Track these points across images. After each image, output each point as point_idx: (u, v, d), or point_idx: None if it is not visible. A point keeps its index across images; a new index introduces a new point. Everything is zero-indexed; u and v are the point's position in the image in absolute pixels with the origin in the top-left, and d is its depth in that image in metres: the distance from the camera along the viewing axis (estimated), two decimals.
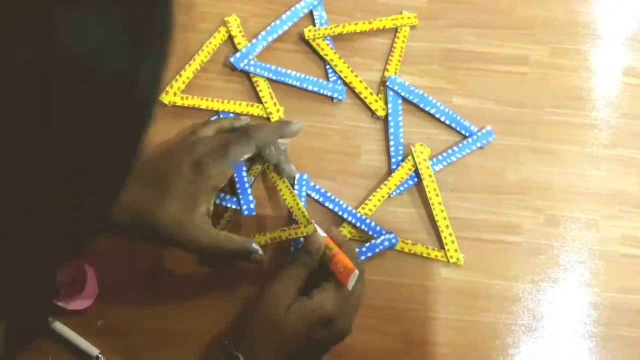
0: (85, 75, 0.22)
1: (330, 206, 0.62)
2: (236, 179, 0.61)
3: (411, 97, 0.64)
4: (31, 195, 0.23)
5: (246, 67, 0.64)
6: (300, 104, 0.64)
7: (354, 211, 0.61)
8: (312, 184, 0.62)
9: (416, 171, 0.62)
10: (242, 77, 0.65)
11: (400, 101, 0.64)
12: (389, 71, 0.65)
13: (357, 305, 0.56)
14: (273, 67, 0.65)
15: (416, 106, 0.64)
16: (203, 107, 0.64)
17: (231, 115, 0.64)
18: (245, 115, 0.64)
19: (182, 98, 0.64)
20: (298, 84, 0.64)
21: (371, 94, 0.64)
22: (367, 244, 0.61)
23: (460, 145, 0.63)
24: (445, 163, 0.63)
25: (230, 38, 0.66)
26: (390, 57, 0.65)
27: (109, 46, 0.22)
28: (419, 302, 0.61)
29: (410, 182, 0.63)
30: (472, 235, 0.62)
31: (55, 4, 0.21)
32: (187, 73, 0.64)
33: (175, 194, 0.53)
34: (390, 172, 0.63)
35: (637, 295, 0.61)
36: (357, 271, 0.54)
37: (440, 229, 0.61)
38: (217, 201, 0.61)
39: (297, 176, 0.61)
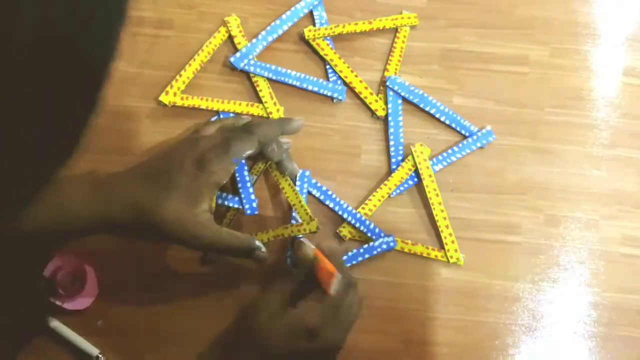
0: (36, 19, 0.21)
1: (331, 205, 0.62)
2: (238, 178, 0.61)
3: (411, 97, 0.64)
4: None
5: (246, 67, 0.64)
6: (300, 104, 0.65)
7: (354, 211, 0.61)
8: (313, 181, 0.62)
9: (416, 171, 0.62)
10: (242, 77, 0.65)
11: (400, 101, 0.64)
12: (389, 71, 0.65)
13: (349, 320, 0.54)
14: (273, 67, 0.65)
15: (416, 106, 0.64)
16: (203, 107, 0.64)
17: (231, 114, 0.64)
18: (246, 115, 0.64)
19: (182, 98, 0.64)
20: (298, 84, 0.64)
21: (371, 94, 0.64)
22: (365, 246, 0.61)
23: (460, 145, 0.63)
24: (445, 163, 0.63)
25: (230, 38, 0.66)
26: (390, 57, 0.65)
27: None
28: (419, 302, 0.61)
29: (410, 182, 0.63)
30: (472, 235, 0.62)
31: None
32: (187, 73, 0.64)
33: (177, 189, 0.52)
34: (390, 172, 0.63)
35: (637, 295, 0.61)
36: (339, 275, 0.53)
37: (440, 229, 0.61)
38: (220, 201, 0.61)
39: (299, 173, 0.61)
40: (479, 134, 0.63)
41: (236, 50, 0.65)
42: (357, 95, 0.65)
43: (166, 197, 0.52)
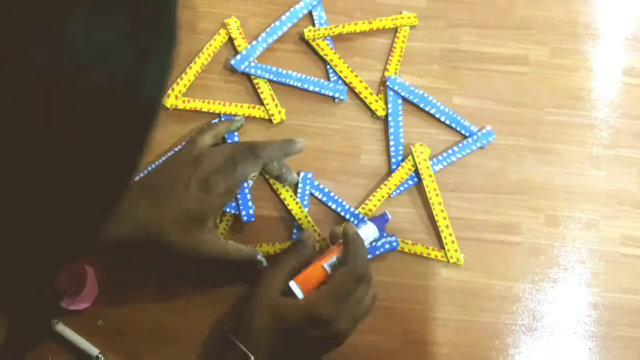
0: (94, 76, 0.22)
1: (333, 206, 0.62)
2: None
3: (411, 97, 0.64)
4: (39, 194, 0.23)
5: (247, 70, 0.64)
6: (300, 104, 0.65)
7: (356, 212, 0.61)
8: (315, 183, 0.62)
9: (416, 171, 0.62)
10: (243, 78, 0.65)
11: (400, 101, 0.64)
12: (389, 71, 0.65)
13: (360, 313, 0.54)
14: (273, 69, 0.65)
15: (416, 106, 0.64)
16: (205, 109, 0.64)
17: (222, 117, 0.64)
18: (247, 117, 0.64)
19: (183, 101, 0.64)
20: (299, 84, 0.64)
21: (371, 94, 0.64)
22: (368, 246, 0.61)
23: (460, 145, 0.63)
24: (445, 163, 0.63)
25: (231, 40, 0.66)
26: (390, 57, 0.65)
27: (116, 47, 0.23)
28: (419, 302, 0.61)
29: (410, 182, 0.63)
30: (472, 235, 0.62)
31: (66, 8, 0.21)
32: (188, 76, 0.64)
33: (183, 212, 0.54)
34: (390, 172, 0.63)
35: (637, 295, 0.61)
36: (336, 255, 0.54)
37: (440, 229, 0.61)
38: None
39: (301, 175, 0.62)
40: (479, 134, 0.63)
41: (236, 52, 0.65)
42: (357, 95, 0.65)
43: (174, 221, 0.54)
